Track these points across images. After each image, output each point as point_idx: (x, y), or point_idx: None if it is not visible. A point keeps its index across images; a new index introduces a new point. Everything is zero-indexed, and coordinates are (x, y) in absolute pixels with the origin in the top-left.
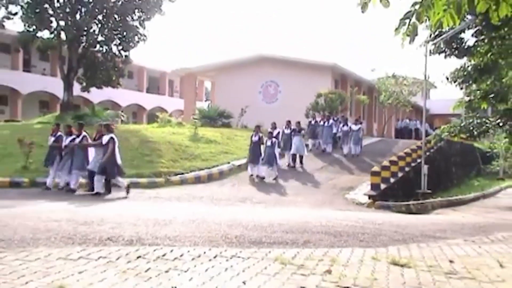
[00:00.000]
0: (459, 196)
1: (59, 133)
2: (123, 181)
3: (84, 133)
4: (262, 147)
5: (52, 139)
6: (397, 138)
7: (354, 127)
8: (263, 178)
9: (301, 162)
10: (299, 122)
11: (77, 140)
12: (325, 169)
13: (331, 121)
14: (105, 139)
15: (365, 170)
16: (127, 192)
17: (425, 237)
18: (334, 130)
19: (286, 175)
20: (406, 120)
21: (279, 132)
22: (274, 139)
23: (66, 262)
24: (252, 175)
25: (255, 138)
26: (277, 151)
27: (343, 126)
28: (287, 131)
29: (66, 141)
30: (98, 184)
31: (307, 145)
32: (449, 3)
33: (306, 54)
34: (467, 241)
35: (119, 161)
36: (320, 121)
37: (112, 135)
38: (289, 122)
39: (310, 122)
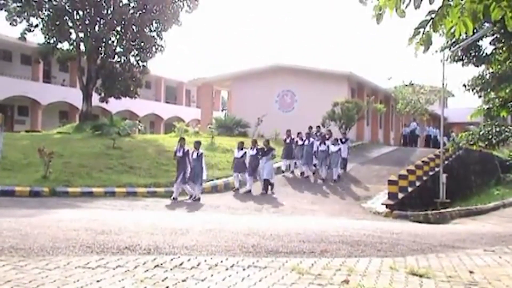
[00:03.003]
0: (479, 206)
1: None
2: None
3: None
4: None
5: None
6: (404, 146)
7: (333, 148)
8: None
9: (267, 189)
10: (267, 141)
11: None
12: (341, 177)
13: (311, 139)
14: None
15: (382, 179)
16: None
17: (444, 247)
18: (315, 149)
19: (301, 185)
20: (413, 123)
21: (245, 153)
22: (200, 152)
23: (84, 270)
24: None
25: (194, 156)
26: (204, 166)
27: (320, 144)
28: (252, 152)
29: None
30: None
31: (279, 168)
32: (464, 11)
33: (322, 63)
34: (487, 251)
35: None
36: (295, 139)
37: None
38: (255, 142)
39: (285, 140)
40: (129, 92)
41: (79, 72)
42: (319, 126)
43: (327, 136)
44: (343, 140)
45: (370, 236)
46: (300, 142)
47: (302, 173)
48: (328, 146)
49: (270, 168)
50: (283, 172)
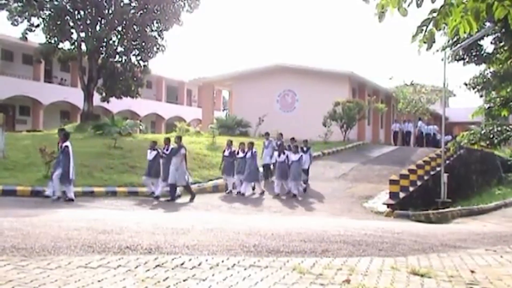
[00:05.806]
0: (480, 205)
1: None
2: None
3: None
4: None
5: None
6: (395, 144)
7: (293, 157)
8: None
9: (173, 195)
10: (179, 137)
11: None
12: (342, 177)
13: (254, 149)
14: None
15: (383, 179)
16: None
17: (445, 247)
18: (267, 161)
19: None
20: (420, 122)
21: (157, 154)
22: (64, 145)
23: (86, 270)
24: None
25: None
26: (72, 164)
27: (278, 155)
28: (166, 152)
29: None
30: None
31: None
32: (467, 10)
33: (324, 63)
34: (489, 250)
35: None
36: (237, 152)
37: None
38: (167, 140)
39: (223, 152)
40: (130, 92)
41: (80, 72)
42: (293, 138)
43: (288, 145)
44: (305, 148)
45: (371, 235)
46: (241, 155)
47: (239, 192)
48: (287, 156)
49: (177, 169)
50: (226, 191)
